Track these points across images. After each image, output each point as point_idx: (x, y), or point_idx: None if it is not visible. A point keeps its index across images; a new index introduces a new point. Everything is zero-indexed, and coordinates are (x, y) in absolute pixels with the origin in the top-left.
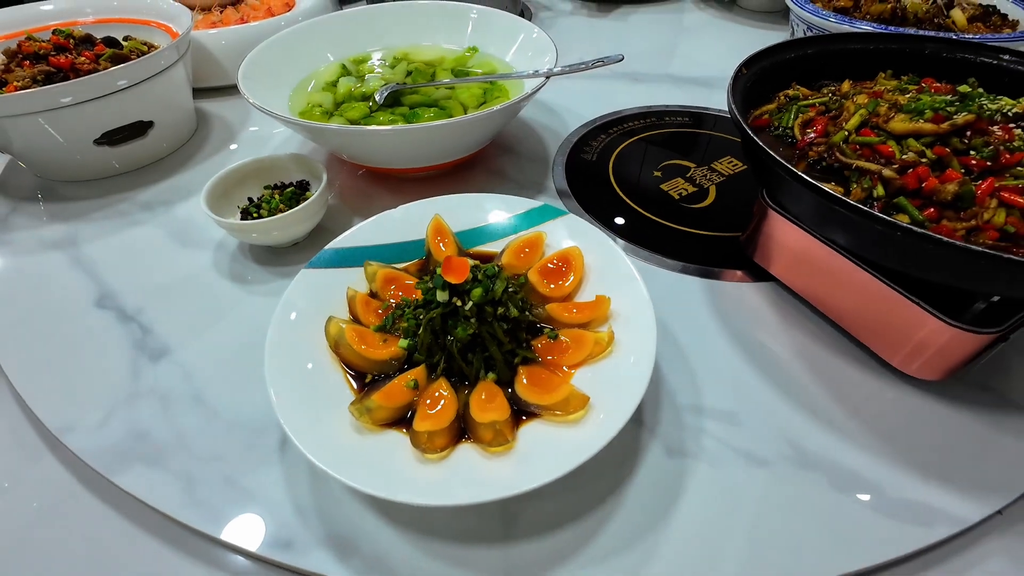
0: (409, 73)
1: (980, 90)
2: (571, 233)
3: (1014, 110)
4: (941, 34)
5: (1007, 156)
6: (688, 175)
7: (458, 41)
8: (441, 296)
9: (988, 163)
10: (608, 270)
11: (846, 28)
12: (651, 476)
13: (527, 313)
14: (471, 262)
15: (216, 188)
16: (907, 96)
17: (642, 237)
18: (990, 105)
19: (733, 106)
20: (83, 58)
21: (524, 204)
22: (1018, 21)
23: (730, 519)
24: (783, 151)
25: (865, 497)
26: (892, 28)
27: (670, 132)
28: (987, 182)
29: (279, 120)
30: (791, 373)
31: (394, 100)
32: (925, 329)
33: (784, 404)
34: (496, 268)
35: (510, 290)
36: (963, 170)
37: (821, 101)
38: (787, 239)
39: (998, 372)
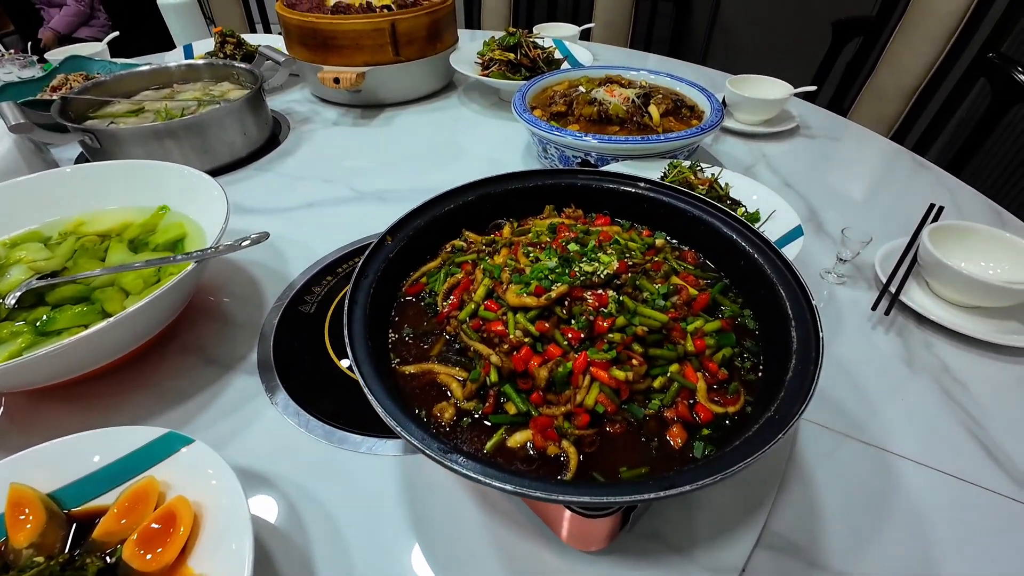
0: (75, 252)
1: (592, 245)
2: (194, 470)
3: (606, 271)
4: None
5: (600, 323)
6: None
7: (149, 200)
8: None
9: (582, 334)
10: (227, 520)
11: (554, 136)
12: None
13: None
14: None
15: None
16: (531, 256)
17: (350, 412)
18: (586, 268)
19: (353, 296)
20: None
21: (138, 438)
22: (703, 112)
23: None
24: (427, 324)
25: None
26: (595, 135)
27: None
28: (581, 357)
29: None
30: (473, 565)
31: (39, 297)
32: (564, 513)
33: None
34: None
35: None
36: (566, 342)
37: (471, 258)
38: None
39: (664, 519)
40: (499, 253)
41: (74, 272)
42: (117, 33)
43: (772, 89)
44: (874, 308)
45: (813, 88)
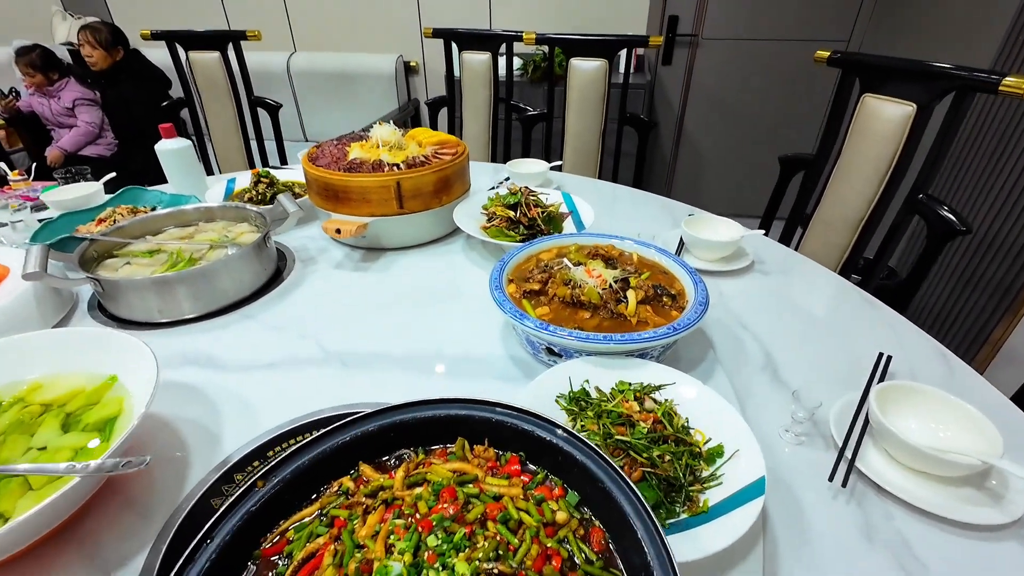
0: (9, 426)
1: (460, 535)
2: None
3: None
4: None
5: None
6: None
7: (104, 367)
8: None
9: None
10: None
11: (518, 323)
12: None
13: None
14: None
15: None
16: (390, 540)
17: None
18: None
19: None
20: None
21: None
22: (687, 302)
23: None
24: None
25: None
26: (559, 328)
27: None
28: None
29: None
30: None
31: None
32: None
33: None
34: None
35: None
36: None
37: (345, 515)
38: None
39: None
40: (374, 511)
41: None
42: (114, 174)
43: (725, 230)
44: (831, 479)
45: (761, 232)
